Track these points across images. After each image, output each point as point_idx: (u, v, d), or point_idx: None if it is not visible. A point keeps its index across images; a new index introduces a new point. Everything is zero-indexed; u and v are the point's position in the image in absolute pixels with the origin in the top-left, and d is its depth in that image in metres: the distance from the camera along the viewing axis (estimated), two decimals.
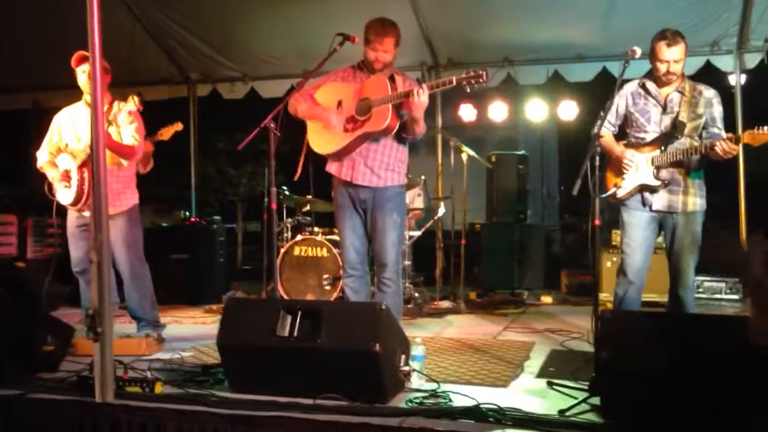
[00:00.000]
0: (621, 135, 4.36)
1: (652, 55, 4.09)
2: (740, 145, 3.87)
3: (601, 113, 4.12)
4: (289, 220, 7.01)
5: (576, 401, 3.15)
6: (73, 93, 8.11)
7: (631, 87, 4.27)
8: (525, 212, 8.05)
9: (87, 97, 4.77)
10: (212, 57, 8.11)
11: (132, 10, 7.56)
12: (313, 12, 7.03)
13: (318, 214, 7.27)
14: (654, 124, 4.15)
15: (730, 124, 4.27)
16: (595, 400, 3.13)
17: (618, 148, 4.23)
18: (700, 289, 6.84)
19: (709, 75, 7.11)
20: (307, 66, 7.54)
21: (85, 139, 4.67)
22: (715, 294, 6.83)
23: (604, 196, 4.16)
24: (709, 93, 4.14)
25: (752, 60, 7.01)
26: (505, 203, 7.95)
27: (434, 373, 3.72)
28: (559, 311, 6.52)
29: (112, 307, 3.57)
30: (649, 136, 4.15)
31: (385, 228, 4.22)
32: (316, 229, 6.72)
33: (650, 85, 4.16)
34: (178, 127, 5.40)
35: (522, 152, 8.37)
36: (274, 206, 4.04)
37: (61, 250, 7.47)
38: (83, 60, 4.62)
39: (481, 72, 3.84)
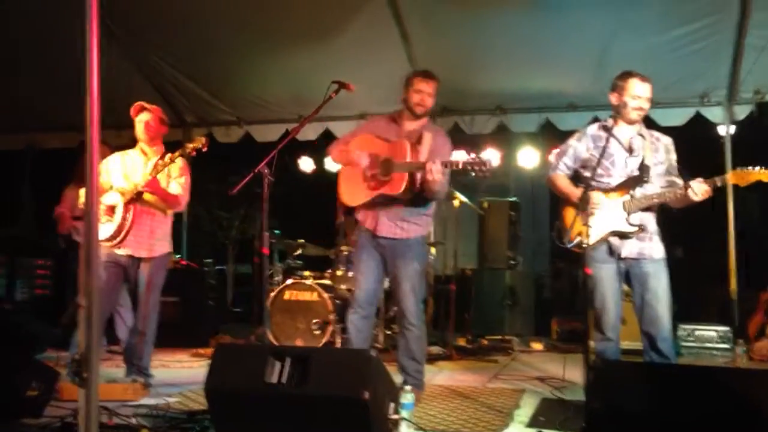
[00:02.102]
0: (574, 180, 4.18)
1: (619, 93, 3.98)
2: (729, 189, 3.85)
3: (551, 159, 4.08)
4: (280, 264, 6.99)
5: None
6: (68, 135, 8.20)
7: (591, 130, 4.15)
8: (516, 258, 8.06)
9: (142, 145, 4.92)
10: (208, 101, 8.18)
11: (128, 53, 7.63)
12: (309, 57, 7.09)
13: (309, 257, 7.25)
14: (620, 168, 4.00)
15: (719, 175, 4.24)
16: None
17: (579, 191, 3.96)
18: (691, 338, 6.84)
19: (699, 125, 7.22)
20: (302, 111, 7.61)
21: (134, 178, 4.78)
22: (706, 343, 6.83)
23: (570, 245, 4.00)
24: (666, 140, 4.11)
25: (742, 112, 7.06)
26: (496, 249, 7.96)
27: (423, 422, 3.69)
28: (549, 358, 6.49)
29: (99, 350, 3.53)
30: (615, 180, 3.99)
31: (406, 276, 4.30)
32: (306, 273, 6.70)
33: (613, 128, 3.99)
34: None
35: (514, 198, 8.41)
36: (266, 251, 4.05)
37: (51, 292, 7.47)
38: (142, 110, 4.82)
39: (485, 160, 3.95)
